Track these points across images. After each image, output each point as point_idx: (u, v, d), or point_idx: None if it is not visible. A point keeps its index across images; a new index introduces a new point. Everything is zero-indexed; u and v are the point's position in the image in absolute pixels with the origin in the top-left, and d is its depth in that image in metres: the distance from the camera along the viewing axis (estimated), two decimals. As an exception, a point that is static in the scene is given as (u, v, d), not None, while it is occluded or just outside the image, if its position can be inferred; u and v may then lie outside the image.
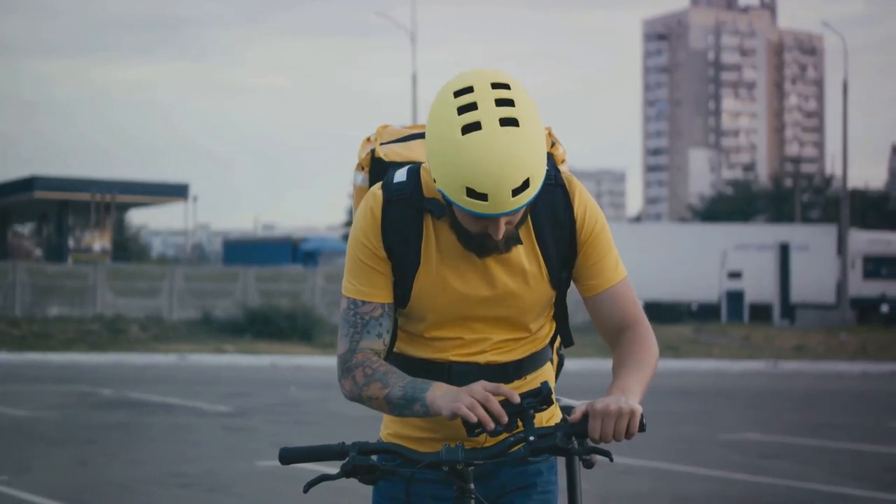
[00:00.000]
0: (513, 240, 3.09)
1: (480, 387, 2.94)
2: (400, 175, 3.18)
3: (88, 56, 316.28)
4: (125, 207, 53.03)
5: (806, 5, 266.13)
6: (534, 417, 2.99)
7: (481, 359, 3.20)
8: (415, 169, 3.19)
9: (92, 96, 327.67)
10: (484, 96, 2.91)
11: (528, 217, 3.14)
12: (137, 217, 78.53)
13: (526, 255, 3.17)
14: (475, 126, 2.89)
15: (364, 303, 3.16)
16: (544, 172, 2.98)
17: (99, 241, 44.33)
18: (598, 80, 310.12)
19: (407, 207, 3.14)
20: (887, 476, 12.40)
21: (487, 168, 2.87)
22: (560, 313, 3.33)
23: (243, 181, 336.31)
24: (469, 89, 2.93)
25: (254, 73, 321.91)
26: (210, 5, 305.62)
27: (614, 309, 3.21)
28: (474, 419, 2.89)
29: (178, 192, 48.93)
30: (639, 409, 2.92)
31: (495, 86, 2.93)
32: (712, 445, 14.64)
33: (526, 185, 2.92)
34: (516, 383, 3.23)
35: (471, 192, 2.91)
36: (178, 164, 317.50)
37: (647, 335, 3.18)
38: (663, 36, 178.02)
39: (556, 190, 3.18)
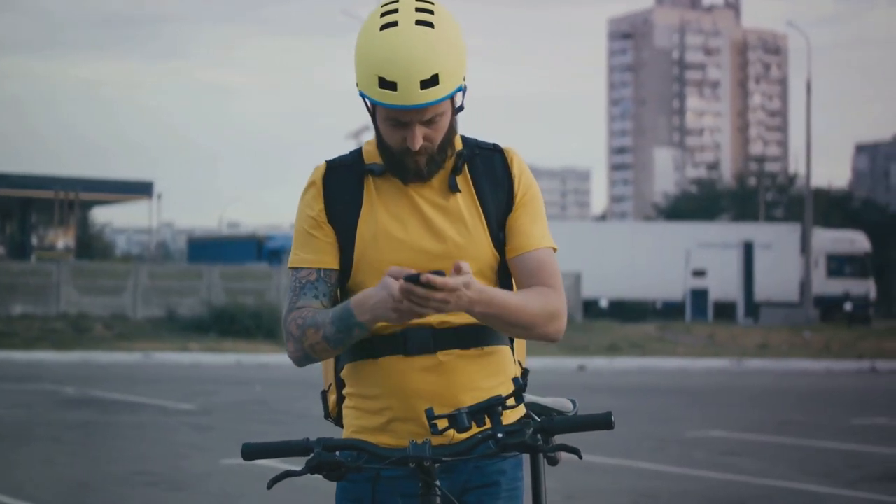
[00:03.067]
0: (434, 165, 3.20)
1: (392, 281, 2.96)
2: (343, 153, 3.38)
3: (69, 53, 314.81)
4: (89, 205, 52.67)
5: (769, 5, 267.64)
6: (501, 414, 2.99)
7: (433, 320, 3.20)
8: (357, 148, 3.36)
9: (61, 92, 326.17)
10: (406, 5, 3.12)
11: (467, 169, 3.27)
12: (101, 215, 78.07)
13: (465, 205, 3.26)
14: (392, 24, 3.09)
15: (301, 269, 3.26)
16: (459, 79, 3.12)
17: (62, 239, 44.01)
18: (562, 79, 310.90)
19: (348, 173, 3.29)
20: (851, 473, 12.47)
21: (397, 56, 3.05)
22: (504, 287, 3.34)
23: (208, 179, 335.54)
24: (394, 0, 3.14)
25: (219, 72, 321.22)
26: (174, 3, 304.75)
27: (534, 272, 3.24)
28: (410, 318, 2.97)
29: (142, 189, 48.66)
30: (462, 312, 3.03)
31: (420, 0, 3.13)
32: (677, 443, 14.69)
33: (435, 80, 3.06)
34: (473, 351, 3.24)
35: (382, 82, 3.07)
36: (143, 161, 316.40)
37: (559, 301, 3.20)
38: (628, 35, 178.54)
39: (494, 154, 3.32)
